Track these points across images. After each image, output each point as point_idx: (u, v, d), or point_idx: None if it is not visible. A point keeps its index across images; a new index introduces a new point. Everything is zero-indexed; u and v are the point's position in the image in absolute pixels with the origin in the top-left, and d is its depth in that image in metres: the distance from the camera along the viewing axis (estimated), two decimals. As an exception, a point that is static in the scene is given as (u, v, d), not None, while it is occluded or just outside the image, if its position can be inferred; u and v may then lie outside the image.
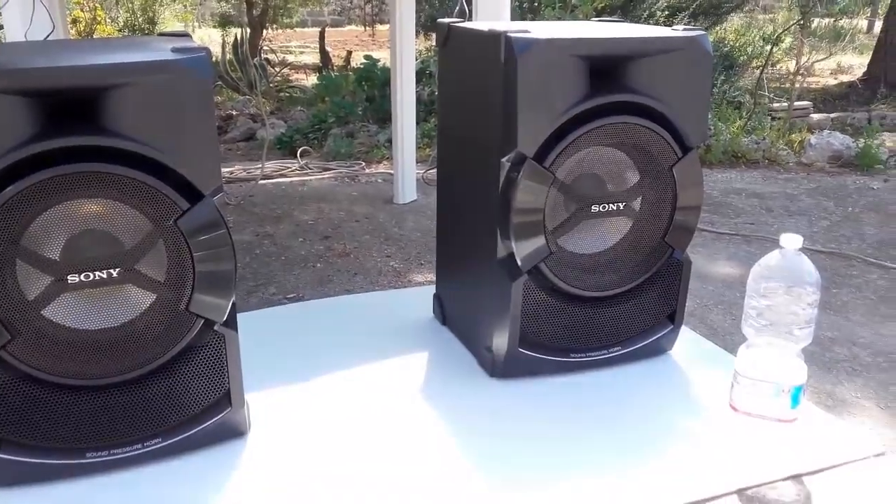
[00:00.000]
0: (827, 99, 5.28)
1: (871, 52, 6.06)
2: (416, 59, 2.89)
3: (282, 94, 4.86)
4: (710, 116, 3.42)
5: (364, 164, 3.10)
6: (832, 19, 5.07)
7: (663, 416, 1.24)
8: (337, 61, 6.39)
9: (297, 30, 8.70)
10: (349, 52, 6.46)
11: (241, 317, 1.12)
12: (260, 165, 2.91)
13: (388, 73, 2.68)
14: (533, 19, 4.39)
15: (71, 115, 0.93)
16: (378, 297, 1.77)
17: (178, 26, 7.83)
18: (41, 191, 0.92)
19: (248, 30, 6.38)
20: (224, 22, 7.98)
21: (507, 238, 1.23)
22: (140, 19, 7.24)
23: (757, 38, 5.25)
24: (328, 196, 2.65)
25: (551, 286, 1.29)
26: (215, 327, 1.07)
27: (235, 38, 4.85)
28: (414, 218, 2.38)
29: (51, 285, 0.97)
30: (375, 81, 4.08)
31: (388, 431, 1.20)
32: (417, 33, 4.19)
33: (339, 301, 1.74)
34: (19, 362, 0.98)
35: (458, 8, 2.15)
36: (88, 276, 0.98)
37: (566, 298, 1.31)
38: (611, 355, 1.36)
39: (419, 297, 1.66)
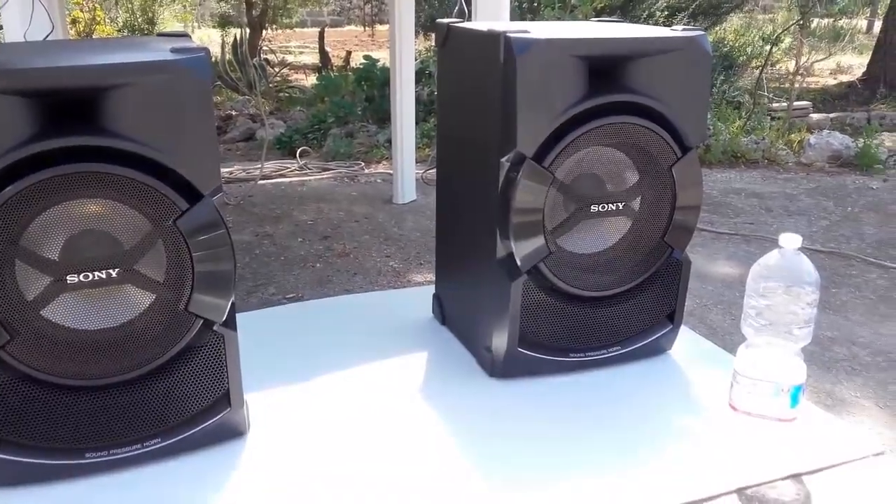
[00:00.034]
0: (826, 99, 5.28)
1: (870, 52, 6.06)
2: (416, 60, 2.89)
3: (281, 94, 4.86)
4: (709, 116, 3.43)
5: (363, 164, 3.10)
6: (832, 19, 5.07)
7: (663, 415, 1.24)
8: (336, 61, 6.39)
9: (297, 30, 8.71)
10: (348, 53, 6.46)
11: (240, 317, 1.12)
12: (259, 165, 2.91)
13: (388, 73, 2.68)
14: (532, 19, 4.39)
15: (70, 115, 0.93)
16: (377, 297, 1.77)
17: (177, 26, 7.83)
18: (40, 191, 0.92)
19: (248, 30, 6.39)
20: (223, 22, 7.98)
21: (506, 238, 1.23)
22: (139, 19, 7.24)
23: (756, 39, 5.25)
24: (327, 196, 2.65)
25: (551, 286, 1.29)
26: (214, 327, 1.07)
27: (235, 39, 4.85)
28: (413, 218, 2.38)
29: (50, 285, 0.97)
30: (375, 81, 4.08)
31: (388, 431, 1.20)
32: (417, 33, 4.20)
33: (339, 301, 1.74)
34: (18, 363, 0.98)
35: (457, 8, 2.15)
36: (87, 277, 0.98)
37: (565, 298, 1.31)
38: (610, 355, 1.36)
39: (418, 297, 1.66)
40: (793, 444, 1.15)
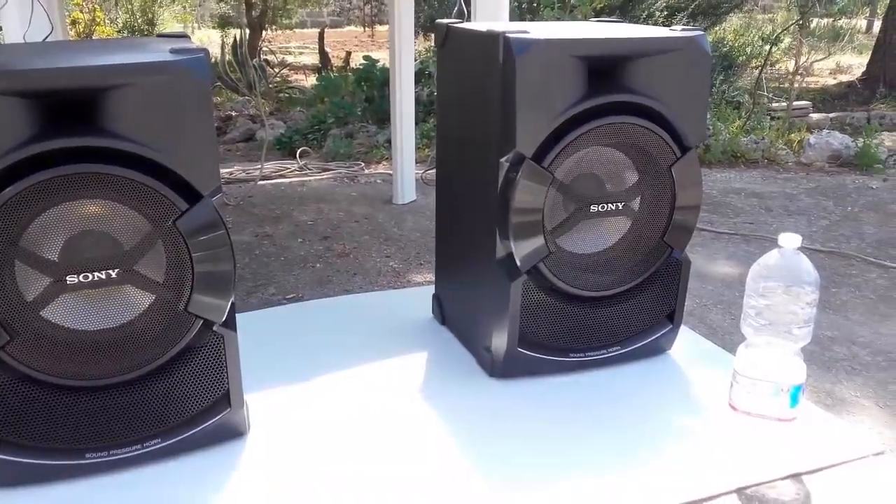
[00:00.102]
0: (826, 99, 5.28)
1: (869, 52, 6.06)
2: (416, 60, 2.90)
3: (281, 94, 4.86)
4: (708, 116, 3.43)
5: (363, 164, 3.10)
6: (831, 19, 5.07)
7: (662, 415, 1.25)
8: (336, 62, 6.40)
9: (297, 31, 8.72)
10: (348, 53, 6.46)
11: (240, 317, 1.12)
12: (259, 166, 2.91)
13: (388, 73, 2.68)
14: (532, 20, 4.39)
15: (70, 115, 0.93)
16: (377, 297, 1.77)
17: (177, 27, 7.84)
18: (40, 192, 0.92)
19: (248, 31, 6.39)
20: (223, 23, 7.98)
21: (505, 238, 1.23)
22: (139, 20, 7.24)
23: (756, 38, 5.26)
24: (327, 196, 2.65)
25: (550, 286, 1.29)
26: (214, 328, 1.07)
27: (234, 39, 4.86)
28: (413, 218, 2.38)
29: (50, 286, 0.97)
30: (374, 82, 4.08)
31: (388, 431, 1.20)
32: (416, 34, 4.20)
33: (339, 301, 1.74)
34: (18, 363, 0.98)
35: (456, 8, 2.15)
36: (87, 277, 0.98)
37: (565, 298, 1.31)
38: (610, 355, 1.36)
39: (418, 297, 1.66)
40: (793, 444, 1.15)
